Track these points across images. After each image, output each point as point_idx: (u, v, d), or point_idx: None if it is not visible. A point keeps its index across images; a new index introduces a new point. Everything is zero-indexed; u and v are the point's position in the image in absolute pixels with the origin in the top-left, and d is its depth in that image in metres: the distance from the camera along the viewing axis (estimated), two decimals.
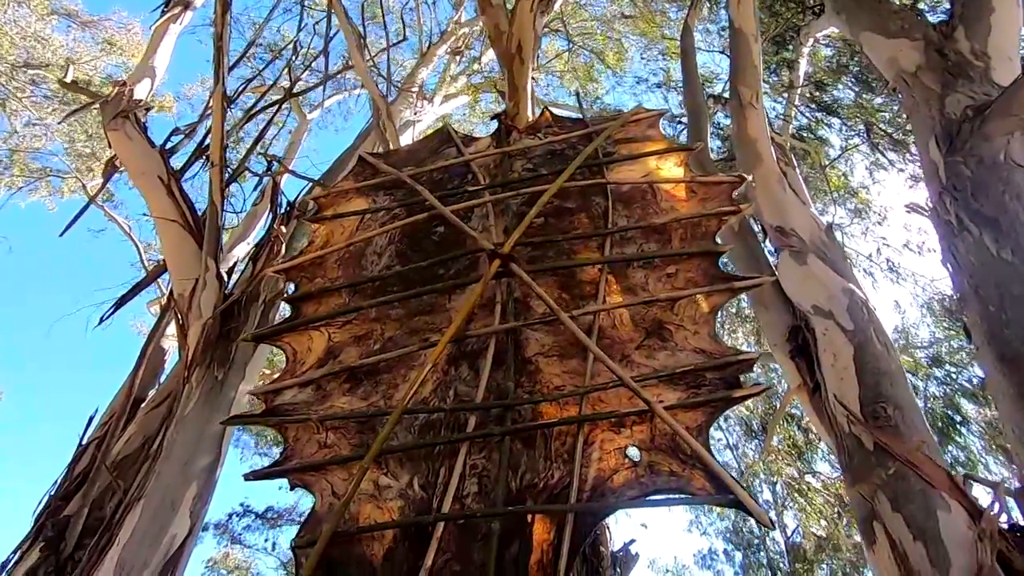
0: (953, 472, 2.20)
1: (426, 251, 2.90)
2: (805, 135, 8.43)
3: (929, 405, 7.84)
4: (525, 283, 2.55)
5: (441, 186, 3.10)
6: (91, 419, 5.05)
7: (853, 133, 8.50)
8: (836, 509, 9.99)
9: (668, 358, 2.37)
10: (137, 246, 8.87)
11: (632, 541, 2.65)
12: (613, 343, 2.43)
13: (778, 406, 7.76)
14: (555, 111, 3.74)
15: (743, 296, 4.67)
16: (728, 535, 19.70)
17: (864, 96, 8.23)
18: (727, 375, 2.25)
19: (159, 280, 6.21)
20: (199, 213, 5.21)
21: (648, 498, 2.11)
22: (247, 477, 2.22)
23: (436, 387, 2.44)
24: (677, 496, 2.10)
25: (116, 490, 4.09)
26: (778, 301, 3.14)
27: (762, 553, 19.06)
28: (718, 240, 2.64)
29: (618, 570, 2.44)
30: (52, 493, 4.56)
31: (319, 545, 1.97)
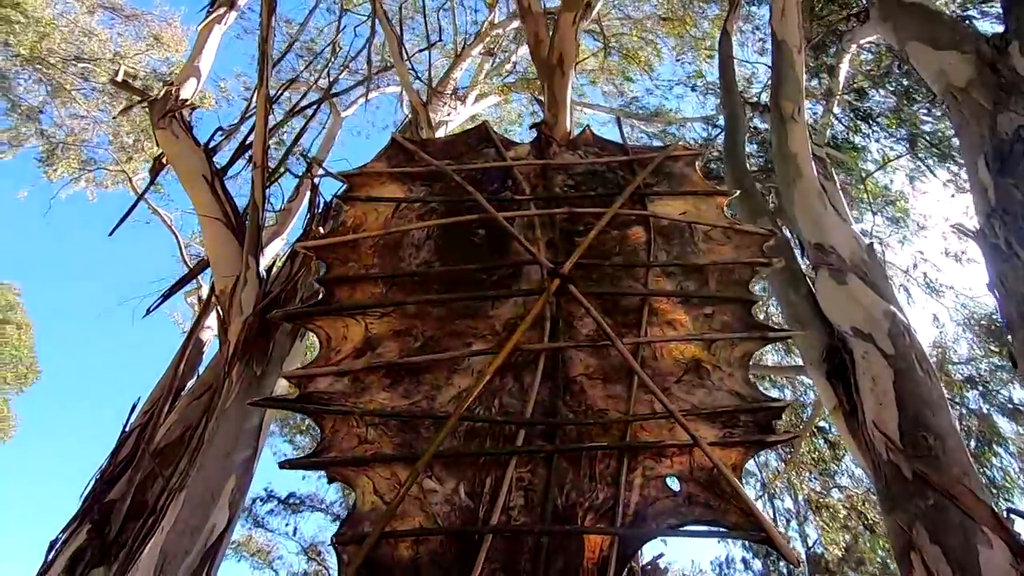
0: (996, 506, 2.18)
1: (465, 251, 2.96)
2: (842, 143, 8.28)
3: (964, 423, 7.68)
4: (581, 304, 2.60)
5: (480, 187, 3.15)
6: (134, 407, 5.25)
7: (893, 140, 8.32)
8: (860, 525, 9.85)
9: (706, 396, 2.44)
10: (179, 240, 9.14)
11: (660, 556, 2.70)
12: (655, 374, 2.49)
13: (806, 420, 7.70)
14: (595, 132, 3.76)
15: (777, 308, 4.64)
16: (747, 543, 19.57)
17: (905, 105, 8.03)
18: (759, 419, 2.34)
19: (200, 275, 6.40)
20: (240, 211, 5.36)
21: (687, 527, 2.16)
22: (283, 465, 2.29)
23: (481, 396, 2.50)
24: (713, 528, 2.15)
25: (159, 476, 4.25)
26: (815, 319, 3.13)
27: (782, 563, 18.91)
28: (751, 288, 2.76)
29: None
30: (97, 478, 4.76)
31: (368, 542, 2.05)
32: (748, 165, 5.28)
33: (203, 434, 4.10)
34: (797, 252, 3.74)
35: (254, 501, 14.65)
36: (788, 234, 3.91)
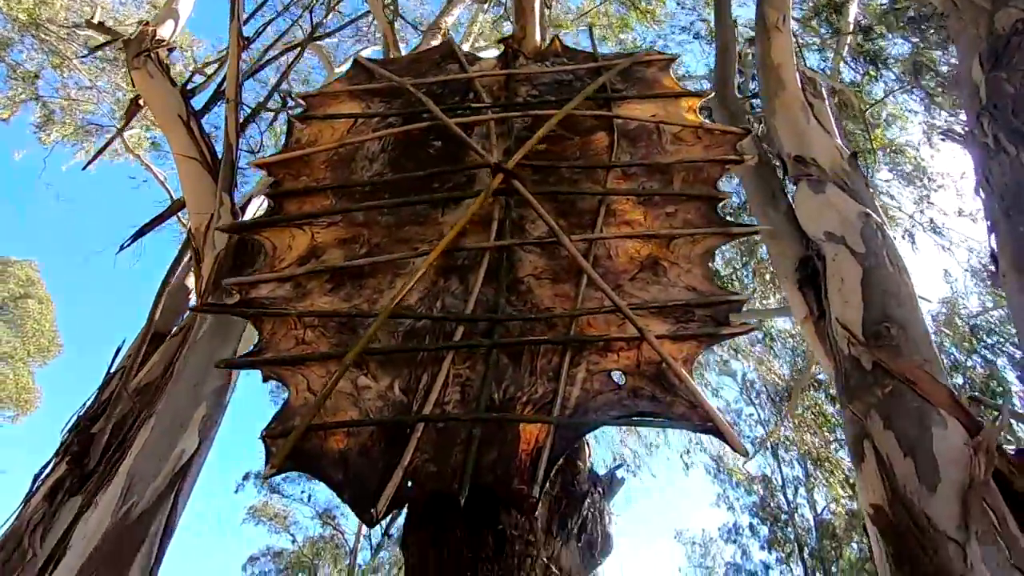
0: (957, 394, 2.04)
1: (421, 163, 2.85)
2: (849, 86, 7.91)
3: (968, 376, 7.46)
4: (526, 200, 2.48)
5: (441, 100, 3.01)
6: (119, 349, 5.27)
7: (902, 83, 7.89)
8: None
9: (660, 292, 2.32)
10: (171, 194, 9.10)
11: (619, 466, 2.60)
12: (607, 272, 2.37)
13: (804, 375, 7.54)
14: (566, 42, 3.58)
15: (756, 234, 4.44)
16: (754, 510, 19.61)
17: (912, 39, 7.61)
18: (717, 313, 2.22)
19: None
20: (218, 154, 5.27)
21: (630, 418, 2.06)
22: (219, 365, 2.25)
23: (423, 297, 2.40)
24: (658, 419, 2.04)
25: (136, 412, 4.26)
26: (791, 233, 2.97)
27: (789, 528, 18.91)
28: (719, 187, 2.63)
29: (601, 491, 2.40)
30: (80, 414, 4.81)
31: (293, 436, 1.98)
32: (742, 104, 5.03)
33: (175, 366, 4.09)
34: (780, 172, 3.55)
35: None
36: (770, 154, 3.71)
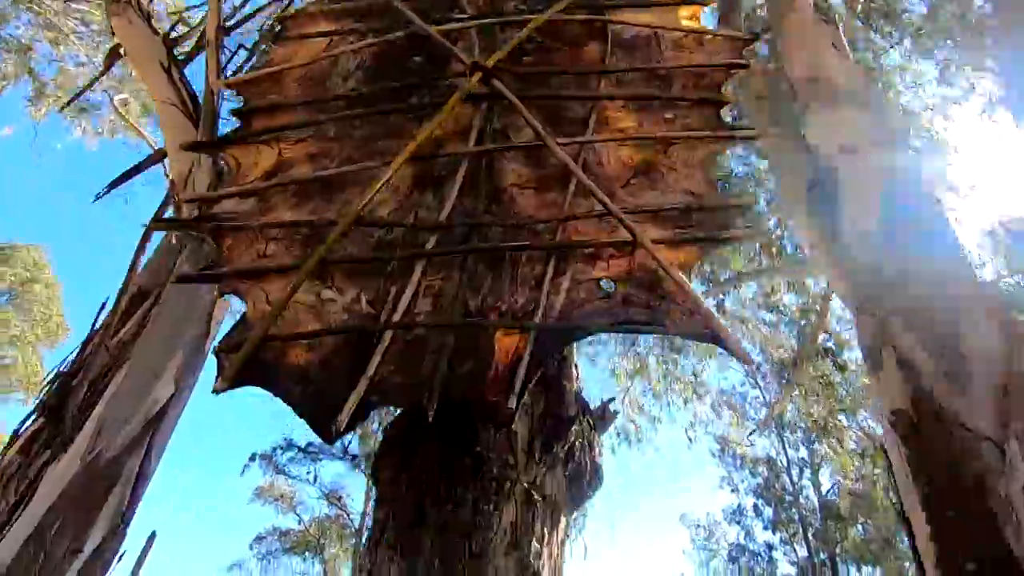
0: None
1: (400, 79, 2.63)
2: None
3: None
4: (510, 103, 2.25)
5: (425, 16, 2.78)
6: (103, 306, 5.12)
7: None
8: (871, 462, 9.47)
9: (656, 198, 2.10)
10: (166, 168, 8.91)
11: (612, 399, 2.41)
12: (598, 180, 2.15)
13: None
14: None
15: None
16: (759, 491, 19.45)
17: None
18: (718, 218, 2.00)
19: None
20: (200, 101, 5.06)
21: (621, 325, 1.85)
22: (175, 280, 2.06)
23: (396, 209, 2.20)
24: (652, 327, 1.83)
25: (113, 365, 4.12)
26: (800, 158, 2.74)
27: (793, 510, 18.75)
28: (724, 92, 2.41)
29: (591, 421, 2.21)
30: (60, 370, 4.67)
31: (247, 347, 1.79)
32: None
33: (150, 315, 3.93)
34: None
35: (275, 450, 14.93)
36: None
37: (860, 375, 7.86)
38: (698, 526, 21.23)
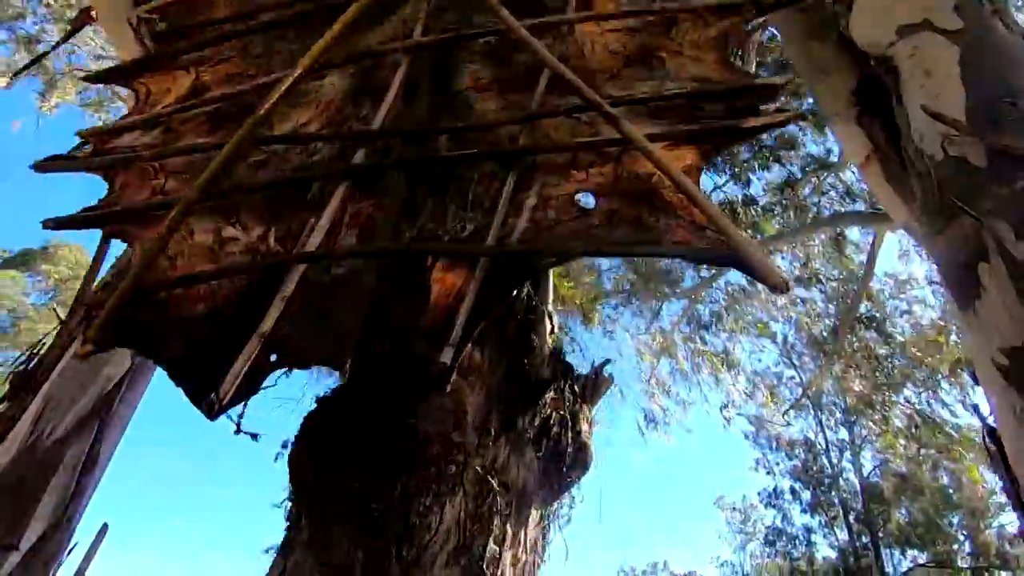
0: None
1: None
2: None
3: None
4: None
5: None
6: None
7: None
8: (917, 442, 8.70)
9: (654, 88, 1.56)
10: None
11: (607, 361, 1.91)
12: (578, 72, 1.63)
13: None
14: None
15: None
16: (796, 474, 18.61)
17: None
18: (739, 106, 1.44)
19: None
20: None
21: (600, 249, 1.35)
22: (46, 225, 1.64)
23: (325, 126, 1.74)
24: (648, 247, 1.32)
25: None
26: (843, 61, 2.15)
27: (833, 493, 17.89)
28: None
29: (577, 389, 1.72)
30: (32, 350, 4.42)
31: (113, 299, 1.37)
32: None
33: None
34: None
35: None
36: None
37: (907, 345, 7.11)
38: (734, 509, 20.65)
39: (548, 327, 1.61)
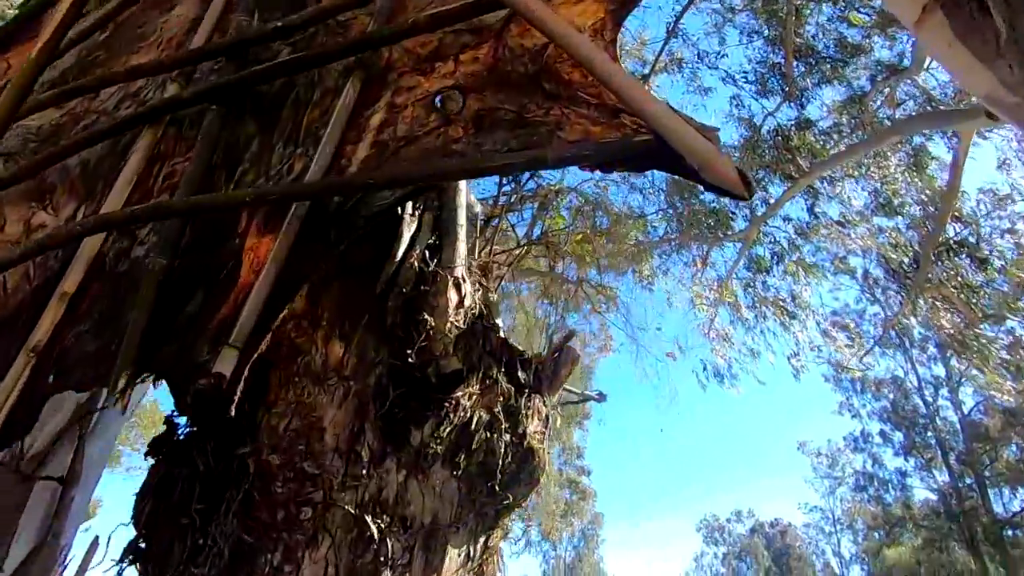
0: None
1: None
2: None
3: None
4: None
5: None
6: None
7: None
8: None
9: None
10: None
11: (570, 334, 1.43)
12: None
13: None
14: None
15: None
16: (885, 415, 17.22)
17: None
18: None
19: None
20: None
21: (465, 168, 0.87)
22: None
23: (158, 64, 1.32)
24: (524, 159, 0.83)
25: None
26: None
27: (930, 433, 16.46)
28: None
29: (523, 376, 1.27)
30: None
31: None
32: None
33: None
34: None
35: None
36: None
37: (1009, 268, 6.00)
38: (819, 454, 19.69)
39: (455, 298, 1.15)
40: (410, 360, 1.03)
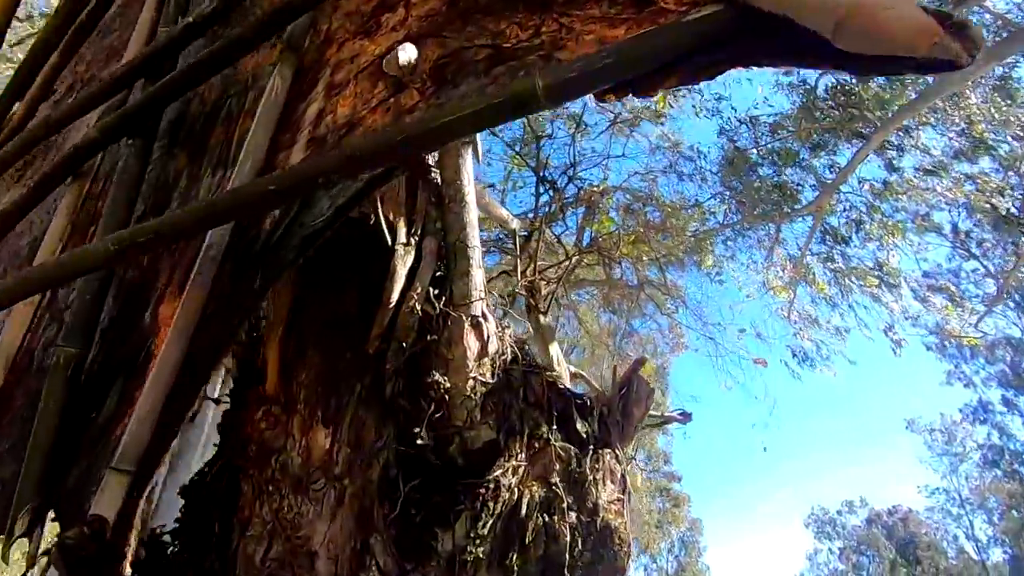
0: None
1: None
2: None
3: None
4: None
5: None
6: None
7: None
8: None
9: None
10: None
11: (641, 362, 1.08)
12: None
13: None
14: None
15: None
16: (1005, 379, 15.37)
17: None
18: None
19: None
20: None
21: (425, 141, 0.56)
22: None
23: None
24: (506, 100, 0.49)
25: None
26: None
27: None
28: None
29: (598, 420, 0.93)
30: None
31: None
32: None
33: None
34: None
35: None
36: None
37: None
38: (932, 431, 17.86)
39: (475, 345, 0.84)
40: (422, 440, 0.73)
